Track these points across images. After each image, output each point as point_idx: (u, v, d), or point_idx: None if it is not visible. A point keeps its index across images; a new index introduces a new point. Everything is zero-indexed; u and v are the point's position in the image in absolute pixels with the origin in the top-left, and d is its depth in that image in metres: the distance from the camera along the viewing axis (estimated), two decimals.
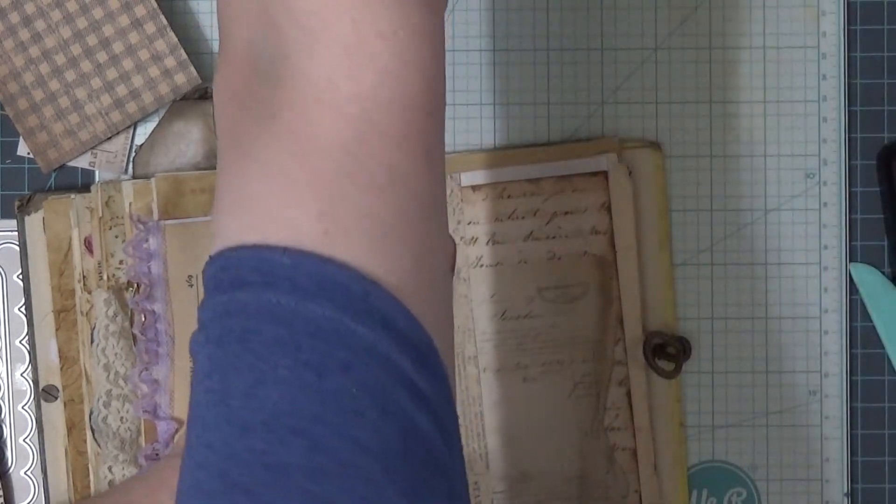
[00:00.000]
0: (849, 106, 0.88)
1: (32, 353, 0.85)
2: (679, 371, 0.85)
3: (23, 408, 0.87)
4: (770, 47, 0.88)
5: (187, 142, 0.84)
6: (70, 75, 0.85)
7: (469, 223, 0.85)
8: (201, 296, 0.79)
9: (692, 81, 0.88)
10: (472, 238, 0.85)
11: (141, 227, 0.81)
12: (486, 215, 0.85)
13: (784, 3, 0.87)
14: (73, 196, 0.84)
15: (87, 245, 0.83)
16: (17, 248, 0.85)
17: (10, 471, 0.87)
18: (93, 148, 0.86)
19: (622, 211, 0.85)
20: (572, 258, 0.85)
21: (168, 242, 0.80)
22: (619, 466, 0.84)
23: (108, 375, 0.82)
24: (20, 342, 0.87)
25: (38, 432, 0.85)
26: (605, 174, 0.85)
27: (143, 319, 0.81)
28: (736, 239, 0.88)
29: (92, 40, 0.85)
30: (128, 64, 0.85)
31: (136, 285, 0.82)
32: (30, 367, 0.86)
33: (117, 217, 0.82)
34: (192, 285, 0.81)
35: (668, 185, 0.87)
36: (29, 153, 0.87)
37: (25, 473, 0.87)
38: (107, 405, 0.82)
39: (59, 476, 0.85)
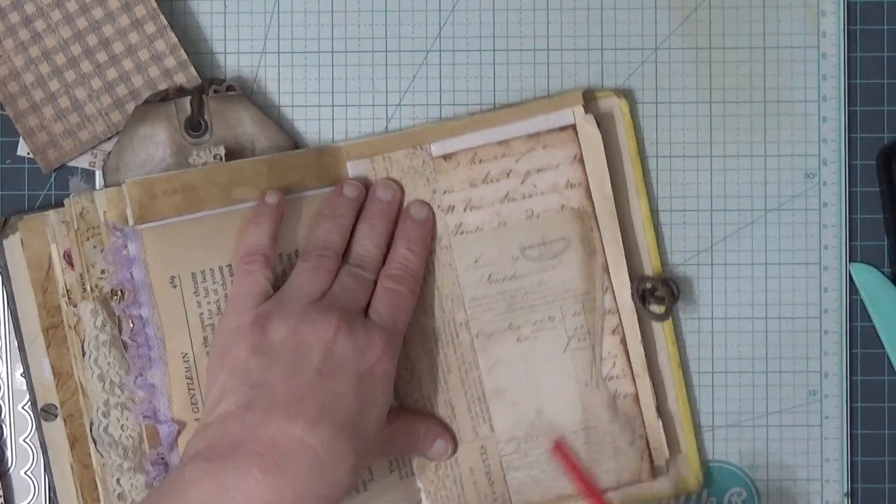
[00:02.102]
0: (849, 106, 0.88)
1: (27, 374, 0.85)
2: (670, 313, 0.85)
3: (23, 408, 0.87)
4: (770, 47, 0.88)
5: (154, 144, 0.84)
6: (70, 75, 0.85)
7: (444, 192, 0.85)
8: (186, 296, 0.80)
9: (692, 81, 0.88)
10: (450, 206, 0.85)
11: (118, 234, 0.81)
12: (460, 182, 0.85)
13: (784, 3, 0.88)
14: (47, 213, 0.84)
15: (67, 259, 0.83)
16: None
17: (10, 471, 0.87)
18: (93, 148, 0.86)
19: (594, 161, 0.85)
20: (551, 214, 0.85)
21: (146, 246, 0.80)
22: (623, 414, 0.85)
23: (104, 385, 0.82)
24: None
25: (42, 452, 0.85)
26: (573, 127, 0.85)
27: (132, 325, 0.81)
28: (736, 239, 0.88)
29: (92, 40, 0.85)
30: (128, 64, 0.85)
31: (120, 292, 0.82)
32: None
33: (93, 227, 0.82)
34: (175, 286, 0.80)
35: (639, 131, 0.87)
36: (29, 153, 0.87)
37: (25, 473, 0.87)
38: (106, 415, 0.82)
39: (69, 493, 0.85)
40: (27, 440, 0.86)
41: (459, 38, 0.88)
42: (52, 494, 0.85)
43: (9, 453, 0.87)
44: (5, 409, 0.87)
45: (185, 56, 0.85)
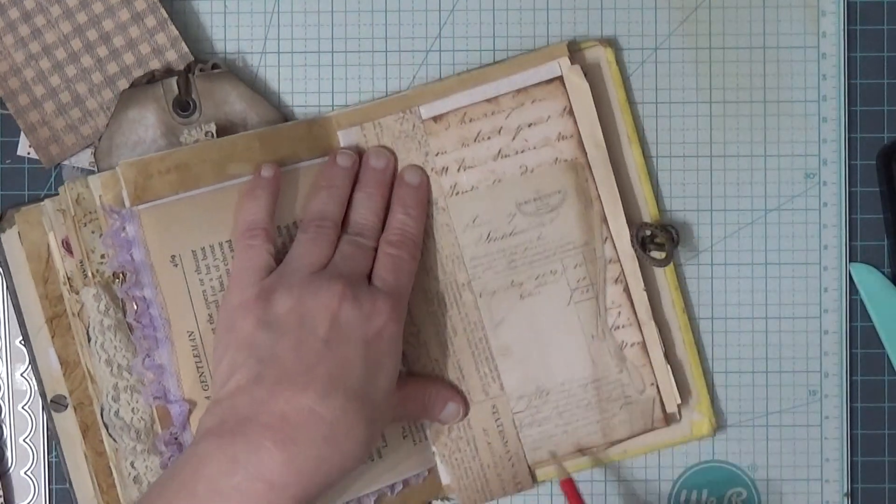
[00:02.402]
0: (849, 106, 0.88)
1: (34, 366, 0.85)
2: (671, 259, 0.85)
3: (23, 408, 0.87)
4: (770, 47, 0.88)
5: (144, 127, 0.84)
6: (71, 70, 0.85)
7: (437, 154, 0.85)
8: (188, 274, 0.80)
9: (692, 81, 0.88)
10: (443, 168, 0.85)
11: (115, 216, 0.81)
12: (452, 143, 0.85)
13: (784, 3, 0.88)
14: (43, 202, 0.84)
15: (66, 246, 0.83)
16: None
17: (10, 471, 0.87)
18: (94, 144, 0.86)
19: (584, 111, 0.85)
20: (544, 168, 0.85)
21: (145, 227, 0.80)
22: (631, 363, 0.85)
23: (112, 369, 0.82)
24: (20, 342, 0.87)
25: (56, 445, 0.85)
26: (560, 79, 0.85)
27: (136, 307, 0.81)
28: (736, 239, 0.88)
29: (92, 35, 0.85)
30: (129, 58, 0.85)
31: (122, 275, 0.82)
32: (30, 366, 0.86)
33: (90, 213, 0.82)
34: (176, 265, 0.80)
35: (627, 80, 0.87)
36: (29, 153, 0.87)
37: (25, 473, 0.87)
38: (116, 399, 0.82)
39: (84, 481, 0.85)
40: (27, 440, 0.86)
41: (459, 38, 0.88)
42: (69, 485, 0.85)
43: (9, 453, 0.87)
44: (5, 409, 0.87)
45: (186, 49, 0.85)
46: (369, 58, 0.87)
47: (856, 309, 0.88)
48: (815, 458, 0.88)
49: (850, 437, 0.88)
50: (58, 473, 0.87)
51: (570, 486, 0.84)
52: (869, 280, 0.87)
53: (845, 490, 0.87)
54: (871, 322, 0.88)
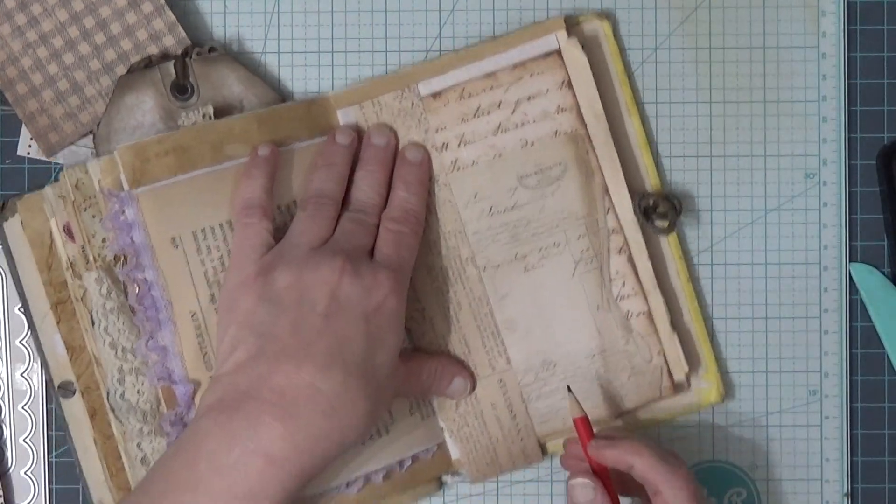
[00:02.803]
0: (849, 106, 0.88)
1: (41, 354, 0.85)
2: (674, 227, 0.85)
3: (23, 408, 0.87)
4: (770, 47, 0.88)
5: (142, 111, 0.84)
6: (68, 58, 0.85)
7: (437, 130, 0.85)
8: (189, 255, 0.80)
9: (692, 81, 0.88)
10: (443, 144, 0.85)
11: (114, 200, 0.81)
12: (451, 119, 0.85)
13: (784, 3, 0.88)
14: (43, 189, 0.84)
15: (68, 232, 0.83)
16: None
17: (10, 471, 0.87)
18: (93, 130, 0.86)
19: (583, 83, 0.85)
20: (545, 141, 0.85)
21: (144, 209, 0.80)
22: (637, 332, 0.85)
23: (116, 352, 0.82)
24: (20, 342, 0.87)
25: (65, 430, 0.85)
26: (558, 52, 0.85)
27: (138, 290, 0.81)
28: (736, 239, 0.88)
29: (89, 22, 0.85)
30: (126, 44, 0.85)
31: (123, 258, 0.82)
32: (30, 366, 0.86)
33: (90, 198, 0.82)
34: (177, 246, 0.81)
35: (624, 51, 0.87)
36: (29, 153, 0.87)
37: (25, 473, 0.87)
38: (121, 382, 0.82)
39: (94, 466, 0.85)
40: (27, 440, 0.86)
41: (459, 38, 0.88)
42: (79, 471, 0.85)
43: (9, 453, 0.87)
44: (5, 409, 0.87)
45: (183, 34, 0.85)
46: (369, 58, 0.87)
47: (856, 309, 0.88)
48: (815, 458, 0.88)
49: (850, 437, 0.88)
50: (58, 473, 0.87)
51: (584, 424, 0.81)
52: (869, 280, 0.87)
53: (845, 490, 0.87)
54: (871, 322, 0.88)
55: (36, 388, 0.86)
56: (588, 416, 0.80)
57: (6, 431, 0.87)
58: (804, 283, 0.88)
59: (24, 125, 0.86)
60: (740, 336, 0.88)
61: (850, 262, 0.88)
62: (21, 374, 0.86)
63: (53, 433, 0.87)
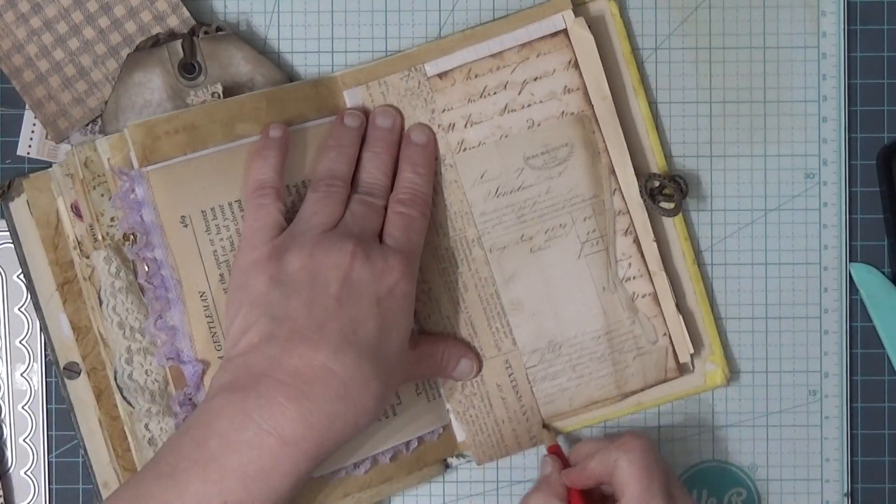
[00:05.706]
0: (849, 106, 0.88)
1: (46, 334, 0.85)
2: (679, 209, 0.85)
3: (23, 408, 0.87)
4: (770, 47, 0.88)
5: (150, 90, 0.84)
6: (73, 43, 0.85)
7: (443, 111, 0.85)
8: (198, 235, 0.80)
9: (692, 81, 0.88)
10: (450, 124, 0.85)
11: (124, 178, 0.80)
12: (458, 99, 0.85)
13: (784, 3, 0.88)
14: (51, 168, 0.84)
15: (75, 210, 0.83)
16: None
17: (10, 471, 0.87)
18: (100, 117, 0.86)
19: (589, 63, 0.85)
20: (551, 121, 0.85)
21: (154, 188, 0.80)
22: (643, 314, 0.85)
23: (125, 332, 0.82)
24: (20, 342, 0.87)
25: (70, 412, 0.85)
26: (564, 32, 0.85)
27: (147, 269, 0.81)
28: (736, 239, 0.88)
29: (93, 6, 0.85)
30: (130, 26, 0.85)
31: (132, 236, 0.82)
32: (30, 366, 0.86)
33: (99, 176, 0.82)
34: (186, 225, 0.80)
35: (631, 31, 0.87)
36: (28, 153, 0.87)
37: (25, 473, 0.87)
38: (129, 362, 0.82)
39: (99, 447, 0.85)
40: (27, 440, 0.86)
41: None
42: (83, 452, 0.85)
43: (9, 453, 0.87)
44: (5, 409, 0.87)
45: (187, 13, 0.85)
46: (369, 58, 0.87)
47: (856, 309, 0.88)
48: (815, 458, 0.88)
49: (850, 437, 0.88)
50: (58, 473, 0.87)
51: (557, 451, 0.84)
52: (869, 280, 0.87)
53: (845, 490, 0.87)
54: (871, 322, 0.88)
55: (36, 388, 0.86)
56: (560, 446, 0.83)
57: (6, 431, 0.87)
58: (804, 283, 0.88)
59: (25, 117, 0.86)
60: (740, 336, 0.88)
61: (850, 262, 0.88)
62: (21, 374, 0.86)
63: (53, 433, 0.87)
